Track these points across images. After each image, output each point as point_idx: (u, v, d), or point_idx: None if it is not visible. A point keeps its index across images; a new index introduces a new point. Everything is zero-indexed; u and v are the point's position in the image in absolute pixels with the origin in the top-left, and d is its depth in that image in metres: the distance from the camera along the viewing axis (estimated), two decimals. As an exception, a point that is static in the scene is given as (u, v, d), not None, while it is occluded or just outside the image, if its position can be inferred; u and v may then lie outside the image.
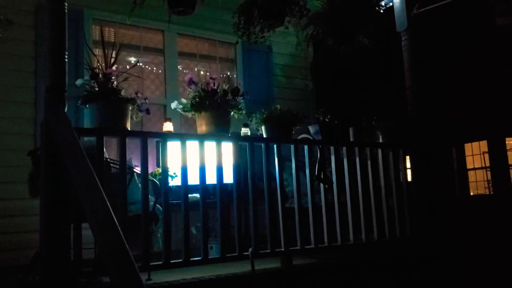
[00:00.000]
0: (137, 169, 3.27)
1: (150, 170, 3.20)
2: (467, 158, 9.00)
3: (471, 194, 9.19)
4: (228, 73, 5.68)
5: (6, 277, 3.24)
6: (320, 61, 5.07)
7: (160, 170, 3.89)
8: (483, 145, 8.83)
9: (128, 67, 4.99)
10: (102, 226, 2.08)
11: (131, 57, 5.05)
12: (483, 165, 9.08)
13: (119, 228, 2.07)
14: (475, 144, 8.98)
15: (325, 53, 4.49)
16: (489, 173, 8.95)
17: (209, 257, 3.05)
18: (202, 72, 5.56)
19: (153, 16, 4.43)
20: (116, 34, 4.84)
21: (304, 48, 4.57)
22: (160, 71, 5.20)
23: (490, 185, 8.93)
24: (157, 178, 4.27)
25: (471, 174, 9.16)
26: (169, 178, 3.10)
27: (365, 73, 4.79)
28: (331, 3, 3.90)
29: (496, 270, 4.03)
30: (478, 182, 9.18)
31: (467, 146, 8.94)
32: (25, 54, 4.16)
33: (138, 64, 5.01)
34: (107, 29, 4.82)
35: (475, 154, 9.13)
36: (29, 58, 4.17)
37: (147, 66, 5.20)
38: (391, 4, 4.73)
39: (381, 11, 4.42)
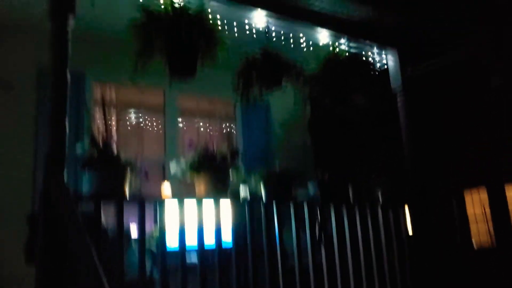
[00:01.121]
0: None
1: (147, 229, 3.16)
2: (468, 208, 8.93)
3: (474, 245, 9.05)
4: (228, 130, 5.74)
5: None
6: (318, 118, 5.14)
7: (157, 232, 3.86)
8: (484, 196, 8.78)
9: (128, 124, 5.09)
10: None
11: (131, 115, 5.12)
12: (485, 217, 8.98)
13: None
14: (475, 195, 8.93)
15: (322, 111, 4.56)
16: (491, 224, 8.83)
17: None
18: (202, 129, 5.63)
19: (154, 76, 4.52)
20: (117, 93, 4.93)
21: (301, 106, 4.64)
22: (160, 129, 5.26)
23: (493, 236, 8.79)
24: (154, 240, 4.23)
25: (472, 224, 9.06)
26: (167, 240, 3.07)
27: (362, 130, 4.85)
28: (326, 66, 4.00)
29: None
30: (480, 233, 9.06)
31: (467, 198, 8.89)
32: (26, 115, 4.21)
33: (138, 122, 5.08)
34: (108, 89, 4.91)
35: (476, 204, 9.06)
36: (30, 119, 4.21)
37: (147, 123, 5.27)
38: (386, 66, 4.87)
39: (376, 73, 4.54)
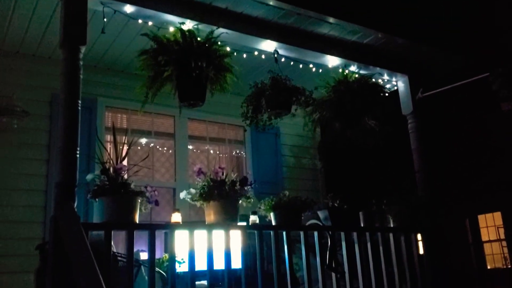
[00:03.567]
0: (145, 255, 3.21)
1: (157, 255, 3.15)
2: (481, 230, 8.80)
3: (488, 267, 8.87)
4: (237, 154, 5.75)
5: None
6: (328, 142, 5.13)
7: (167, 256, 3.85)
8: (497, 217, 8.65)
9: (139, 150, 5.12)
10: None
11: (142, 140, 5.15)
12: (498, 238, 8.83)
13: None
14: (489, 216, 8.81)
15: (332, 135, 4.54)
16: (504, 246, 8.69)
17: None
18: (211, 154, 5.64)
19: (164, 103, 4.57)
20: (128, 120, 4.98)
21: (311, 129, 4.65)
22: (170, 153, 5.28)
23: (507, 257, 8.64)
24: (164, 264, 4.21)
25: (487, 247, 8.90)
26: (177, 264, 3.05)
27: (373, 154, 4.82)
28: (336, 91, 4.01)
29: None
30: (494, 255, 8.89)
31: (481, 219, 8.77)
32: (39, 143, 4.26)
33: (148, 147, 5.11)
34: (119, 115, 4.96)
35: (490, 226, 8.93)
36: (43, 146, 4.26)
37: (158, 147, 5.29)
38: (395, 88, 4.88)
39: (386, 94, 4.54)
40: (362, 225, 3.94)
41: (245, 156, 5.66)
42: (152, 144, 5.22)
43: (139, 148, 5.13)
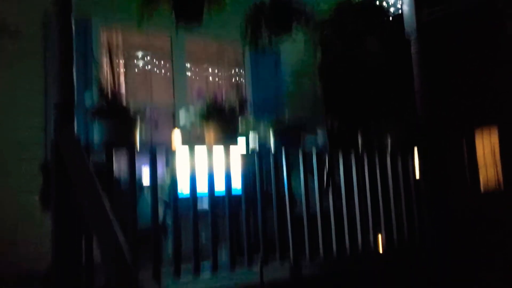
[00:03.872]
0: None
1: (158, 181, 3.21)
2: (477, 151, 8.95)
3: (482, 190, 9.15)
4: (236, 79, 5.68)
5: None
6: (328, 65, 5.03)
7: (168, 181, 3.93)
8: (494, 138, 8.77)
9: (136, 70, 5.04)
10: (109, 253, 2.12)
11: (139, 61, 5.06)
12: (494, 161, 8.99)
13: (123, 248, 2.10)
14: (486, 138, 8.92)
15: (333, 57, 4.46)
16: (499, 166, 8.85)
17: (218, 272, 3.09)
18: (210, 76, 5.57)
19: (161, 22, 4.44)
20: (124, 39, 4.85)
21: (312, 52, 4.55)
22: (168, 75, 5.21)
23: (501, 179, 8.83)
24: (167, 191, 4.30)
25: (481, 168, 9.09)
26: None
27: (374, 77, 4.76)
28: (338, 11, 3.88)
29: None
30: (489, 177, 9.12)
31: (478, 141, 8.89)
32: (35, 64, 4.16)
33: (146, 67, 5.04)
34: (115, 35, 4.83)
35: (486, 146, 9.06)
36: (39, 67, 4.16)
37: (155, 68, 5.21)
38: (400, 11, 4.70)
39: (390, 17, 4.40)
40: (360, 147, 3.97)
41: (245, 80, 5.59)
42: (149, 66, 5.13)
43: (136, 70, 5.05)
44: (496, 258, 4.41)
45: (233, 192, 3.30)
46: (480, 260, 4.25)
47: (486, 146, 8.77)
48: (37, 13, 4.21)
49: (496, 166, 8.97)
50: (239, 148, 3.34)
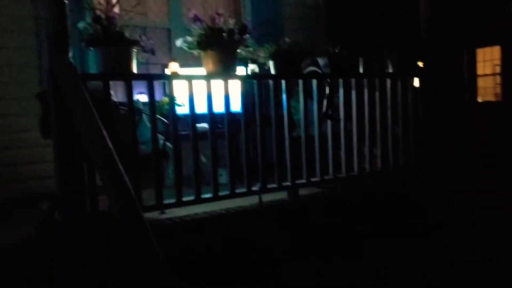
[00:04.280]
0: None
1: (157, 98, 3.18)
2: (478, 64, 8.90)
3: (480, 101, 9.22)
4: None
5: (31, 211, 3.42)
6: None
7: (167, 99, 3.91)
8: (496, 51, 8.67)
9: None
10: (105, 168, 2.22)
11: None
12: (493, 72, 8.96)
13: (122, 175, 2.18)
14: (487, 51, 8.81)
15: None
16: (498, 79, 8.87)
17: (219, 194, 3.18)
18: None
19: None
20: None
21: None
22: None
23: (499, 90, 8.86)
24: (164, 108, 4.30)
25: (480, 80, 9.09)
26: (177, 108, 3.13)
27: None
28: None
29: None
30: (487, 88, 9.15)
31: (479, 53, 8.79)
32: None
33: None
34: None
35: (487, 60, 8.98)
36: None
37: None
38: None
39: None
40: (361, 72, 3.92)
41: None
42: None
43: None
44: (489, 173, 4.56)
45: (232, 114, 3.30)
46: (474, 175, 4.38)
47: (487, 58, 8.73)
48: None
49: (495, 80, 8.98)
50: (238, 77, 3.29)
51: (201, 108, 3.20)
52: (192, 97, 3.10)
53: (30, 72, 3.94)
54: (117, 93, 3.68)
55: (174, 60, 3.11)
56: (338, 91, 3.76)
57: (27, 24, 3.90)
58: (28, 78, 3.92)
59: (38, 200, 3.69)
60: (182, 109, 3.75)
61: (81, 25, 2.71)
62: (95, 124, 2.37)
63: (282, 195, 3.54)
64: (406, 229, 3.74)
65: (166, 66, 4.32)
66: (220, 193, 3.21)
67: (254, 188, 3.33)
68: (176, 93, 3.06)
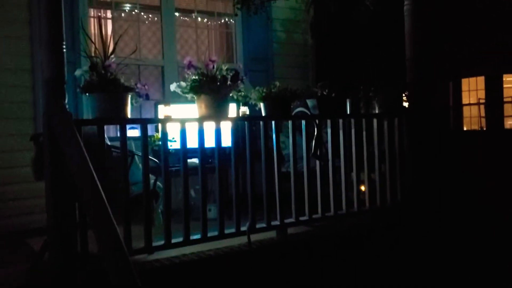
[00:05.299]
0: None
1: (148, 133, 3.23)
2: (463, 93, 9.15)
3: (465, 129, 9.42)
4: (227, 29, 5.57)
5: (19, 249, 3.42)
6: (320, 21, 4.96)
7: (159, 135, 3.98)
8: (480, 81, 8.92)
9: (123, 20, 4.90)
10: (95, 216, 2.30)
11: (127, 14, 4.91)
12: (478, 101, 9.18)
13: (112, 219, 2.26)
14: (472, 81, 9.07)
15: (325, 15, 4.37)
16: (483, 108, 9.09)
17: (207, 236, 3.22)
18: (199, 26, 5.44)
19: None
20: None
21: (304, 7, 4.47)
22: (157, 27, 5.08)
23: (484, 120, 9.07)
24: (156, 143, 4.37)
25: (466, 109, 9.30)
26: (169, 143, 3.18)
27: (366, 38, 4.71)
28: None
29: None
30: (472, 118, 9.36)
31: (464, 82, 9.05)
32: (20, 34, 4.04)
33: (133, 21, 4.91)
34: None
35: (472, 90, 9.22)
36: (25, 38, 4.05)
37: (144, 21, 5.07)
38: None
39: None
40: (348, 112, 4.03)
41: (235, 30, 5.48)
42: (136, 19, 4.98)
43: (124, 26, 4.90)
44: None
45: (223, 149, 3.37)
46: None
47: (472, 93, 9.00)
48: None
49: (480, 110, 9.23)
50: (230, 118, 3.38)
51: (192, 142, 3.26)
52: (185, 134, 3.16)
53: (24, 109, 3.99)
54: (109, 129, 3.74)
55: (168, 104, 3.17)
56: (326, 131, 3.86)
57: (23, 63, 3.97)
58: (23, 115, 3.97)
59: (27, 236, 3.71)
60: (173, 145, 3.84)
61: (78, 72, 2.78)
62: (88, 169, 2.44)
63: (272, 233, 3.59)
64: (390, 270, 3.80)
65: (158, 102, 4.42)
66: (209, 234, 3.25)
67: (243, 228, 3.38)
68: (168, 130, 3.12)
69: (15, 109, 3.97)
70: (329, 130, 3.88)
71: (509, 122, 8.70)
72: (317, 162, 3.86)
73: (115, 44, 2.91)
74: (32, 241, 3.55)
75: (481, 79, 9.08)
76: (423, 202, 4.22)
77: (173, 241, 3.09)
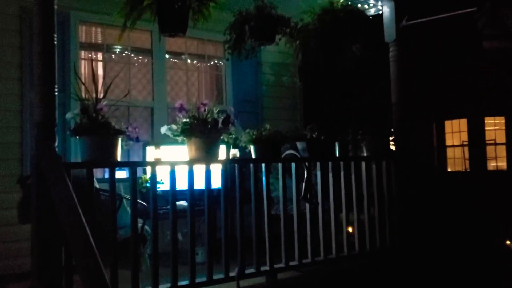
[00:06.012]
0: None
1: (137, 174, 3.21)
2: (446, 135, 9.33)
3: (449, 170, 9.55)
4: (217, 71, 5.65)
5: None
6: (309, 66, 5.07)
7: (147, 177, 3.94)
8: (463, 123, 9.11)
9: (113, 62, 4.94)
10: (85, 270, 2.25)
11: (118, 58, 4.96)
12: (462, 143, 9.33)
13: (99, 264, 2.25)
14: (455, 123, 9.25)
15: (314, 61, 4.47)
16: (466, 150, 9.26)
17: (196, 282, 3.15)
18: (190, 68, 5.51)
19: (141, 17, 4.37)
20: (103, 34, 4.77)
21: (293, 52, 4.58)
22: (147, 69, 5.13)
23: (467, 161, 9.20)
24: (144, 185, 4.32)
25: (449, 150, 9.44)
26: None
27: (353, 83, 4.82)
28: (321, 21, 3.89)
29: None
30: (456, 159, 9.48)
31: (448, 124, 9.23)
32: (9, 76, 4.04)
33: (125, 65, 4.96)
34: (93, 29, 4.73)
35: (455, 131, 9.39)
36: (15, 80, 4.04)
37: (135, 63, 5.12)
38: (380, 12, 4.74)
39: (370, 18, 4.45)
40: (337, 155, 4.07)
41: (225, 73, 5.57)
42: (127, 60, 5.03)
43: (115, 67, 4.94)
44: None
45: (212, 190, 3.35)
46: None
47: (455, 135, 9.23)
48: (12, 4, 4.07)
49: (463, 152, 9.41)
50: (220, 161, 3.38)
51: (180, 184, 3.23)
52: (174, 177, 3.14)
53: (11, 150, 3.95)
54: (97, 170, 3.69)
55: (158, 147, 3.16)
56: (315, 173, 3.88)
57: (12, 104, 3.96)
58: (10, 156, 3.92)
59: (9, 280, 3.59)
60: (161, 187, 3.80)
61: (69, 115, 2.78)
62: (76, 214, 2.41)
63: (261, 278, 3.53)
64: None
65: (147, 144, 4.40)
66: (197, 280, 3.18)
67: (232, 274, 3.31)
68: (157, 172, 3.10)
69: (2, 150, 3.91)
70: (318, 173, 3.90)
71: (492, 164, 8.86)
72: (307, 205, 3.85)
73: (107, 88, 2.92)
74: (13, 287, 3.44)
75: (464, 121, 9.32)
76: (411, 245, 4.22)
77: (161, 287, 3.01)
